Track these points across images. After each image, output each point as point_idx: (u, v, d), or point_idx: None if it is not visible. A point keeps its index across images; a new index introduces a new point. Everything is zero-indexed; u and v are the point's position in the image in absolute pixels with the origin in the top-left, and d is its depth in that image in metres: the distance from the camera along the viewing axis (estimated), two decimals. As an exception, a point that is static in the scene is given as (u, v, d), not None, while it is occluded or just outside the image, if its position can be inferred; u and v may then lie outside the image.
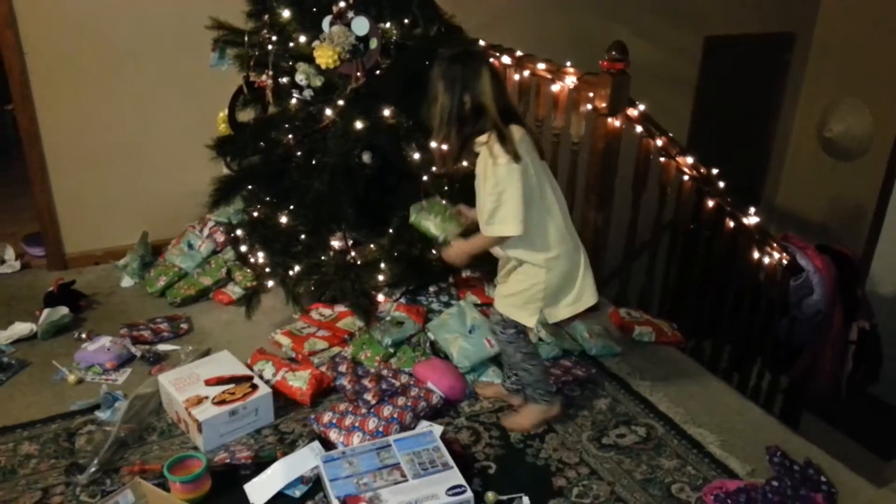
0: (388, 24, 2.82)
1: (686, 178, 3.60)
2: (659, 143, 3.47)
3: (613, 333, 3.13)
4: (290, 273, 2.98)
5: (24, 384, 2.70)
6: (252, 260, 3.11)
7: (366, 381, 2.58)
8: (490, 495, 2.15)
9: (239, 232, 3.22)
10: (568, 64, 3.34)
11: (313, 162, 2.87)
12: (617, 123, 3.19)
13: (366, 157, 2.85)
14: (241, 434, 2.42)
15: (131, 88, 3.51)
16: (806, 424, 4.48)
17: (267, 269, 3.03)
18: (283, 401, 2.57)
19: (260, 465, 2.24)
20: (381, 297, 3.03)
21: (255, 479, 2.18)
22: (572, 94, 3.33)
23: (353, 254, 2.98)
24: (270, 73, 2.85)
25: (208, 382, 2.47)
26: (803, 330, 4.45)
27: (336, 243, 3.01)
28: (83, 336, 2.95)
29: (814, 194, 5.95)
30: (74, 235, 3.63)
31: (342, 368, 2.69)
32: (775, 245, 4.03)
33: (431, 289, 3.17)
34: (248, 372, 2.56)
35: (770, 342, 4.33)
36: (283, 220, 2.94)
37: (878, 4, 5.39)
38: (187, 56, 3.34)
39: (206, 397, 2.39)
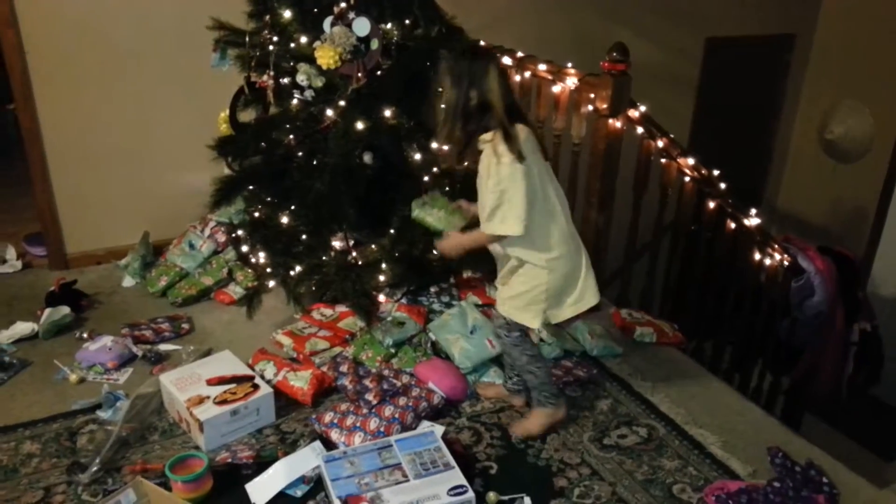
0: (389, 25, 2.82)
1: (687, 179, 3.60)
2: (660, 144, 3.47)
3: (614, 334, 3.13)
4: (292, 273, 2.98)
5: (26, 383, 2.71)
6: (253, 260, 3.11)
7: (367, 382, 2.58)
8: (491, 495, 2.15)
9: (240, 232, 3.22)
10: (569, 65, 3.34)
11: (314, 162, 2.87)
12: (618, 124, 3.19)
13: (367, 158, 2.85)
14: (243, 434, 2.42)
15: (133, 88, 3.52)
16: (807, 425, 4.48)
17: (268, 270, 3.03)
18: (284, 401, 2.57)
19: (261, 464, 2.24)
20: (382, 298, 3.03)
21: (257, 479, 2.18)
22: (573, 95, 3.33)
23: (354, 254, 2.98)
24: (271, 73, 2.85)
25: (210, 382, 2.47)
26: (804, 331, 4.45)
27: (337, 243, 3.01)
28: (85, 336, 2.95)
29: (815, 196, 5.96)
30: (76, 235, 3.63)
31: (343, 368, 2.69)
32: (776, 246, 4.03)
33: (433, 289, 3.17)
34: (249, 372, 2.56)
35: (771, 343, 4.33)
36: (285, 220, 2.94)
37: (879, 6, 5.39)
38: (188, 56, 3.35)
39: (208, 397, 2.39)
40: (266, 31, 2.88)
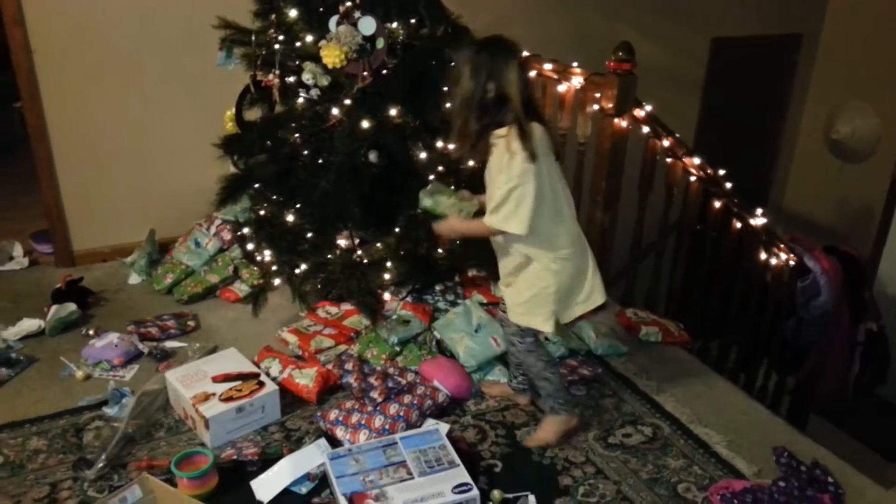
0: (394, 24, 2.82)
1: (693, 178, 3.60)
2: (665, 143, 3.47)
3: (620, 333, 3.12)
4: (297, 271, 2.98)
5: (33, 380, 2.72)
6: (259, 258, 3.11)
7: (372, 379, 2.58)
8: (496, 493, 2.15)
9: (246, 230, 3.23)
10: (574, 64, 3.34)
11: (320, 161, 2.87)
12: (623, 124, 3.19)
13: (372, 157, 2.86)
14: (248, 431, 2.43)
15: (139, 86, 3.53)
16: (813, 425, 4.46)
17: (273, 268, 3.03)
18: (289, 398, 2.58)
19: (266, 461, 2.25)
20: (387, 296, 3.04)
21: (262, 476, 2.19)
22: (579, 95, 3.33)
23: (359, 252, 2.98)
24: (277, 72, 2.85)
25: (215, 379, 2.48)
26: (810, 331, 4.44)
27: (342, 242, 3.01)
28: (91, 332, 2.97)
29: (821, 196, 5.94)
30: (82, 232, 3.64)
31: (348, 366, 2.69)
32: (782, 246, 4.02)
33: (438, 287, 3.17)
34: (254, 369, 2.57)
35: (777, 343, 4.32)
36: (290, 218, 2.95)
37: (885, 6, 5.37)
38: (194, 55, 3.35)
39: (214, 394, 2.40)
40: (272, 30, 2.88)
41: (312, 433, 2.44)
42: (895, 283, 5.13)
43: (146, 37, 3.46)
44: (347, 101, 2.79)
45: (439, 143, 2.88)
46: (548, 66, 3.42)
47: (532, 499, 2.17)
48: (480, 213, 2.26)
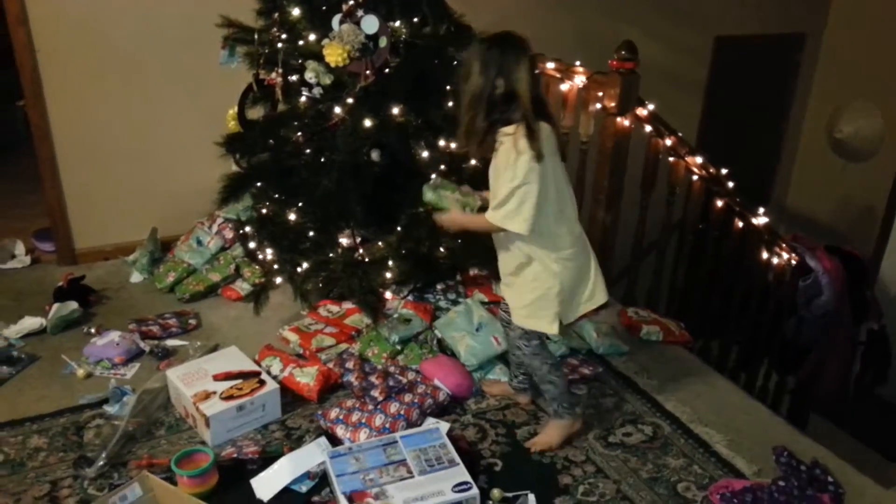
0: (397, 23, 2.82)
1: (695, 177, 3.60)
2: (668, 142, 3.46)
3: (621, 332, 3.12)
4: (299, 270, 2.99)
5: (34, 378, 2.72)
6: (260, 256, 3.12)
7: (373, 378, 2.59)
8: (496, 492, 2.15)
9: (247, 228, 3.23)
10: (577, 63, 3.34)
11: (322, 160, 2.87)
12: (626, 123, 3.19)
13: (374, 155, 2.86)
14: (249, 429, 2.43)
15: (141, 85, 3.53)
16: (813, 425, 4.47)
17: (275, 266, 3.04)
18: (290, 397, 2.58)
19: (267, 460, 2.25)
20: (388, 295, 3.04)
21: (262, 474, 2.19)
22: (581, 94, 3.33)
23: (360, 251, 2.99)
24: (280, 70, 2.85)
25: (216, 378, 2.48)
26: (811, 330, 4.44)
27: (344, 240, 3.02)
28: (92, 331, 2.97)
29: (823, 195, 5.94)
30: (84, 231, 3.65)
31: (349, 365, 2.69)
32: (784, 245, 4.02)
33: (439, 286, 3.18)
34: (255, 368, 2.57)
35: (778, 343, 4.32)
36: (292, 217, 2.95)
37: (889, 6, 5.36)
38: (197, 53, 3.36)
39: (214, 392, 2.40)
40: (275, 29, 2.89)
41: (313, 432, 2.44)
42: (897, 283, 5.13)
43: (149, 36, 3.47)
44: (350, 100, 2.79)
45: (441, 142, 2.88)
46: (550, 65, 3.42)
47: (532, 498, 2.17)
48: (483, 208, 2.25)
